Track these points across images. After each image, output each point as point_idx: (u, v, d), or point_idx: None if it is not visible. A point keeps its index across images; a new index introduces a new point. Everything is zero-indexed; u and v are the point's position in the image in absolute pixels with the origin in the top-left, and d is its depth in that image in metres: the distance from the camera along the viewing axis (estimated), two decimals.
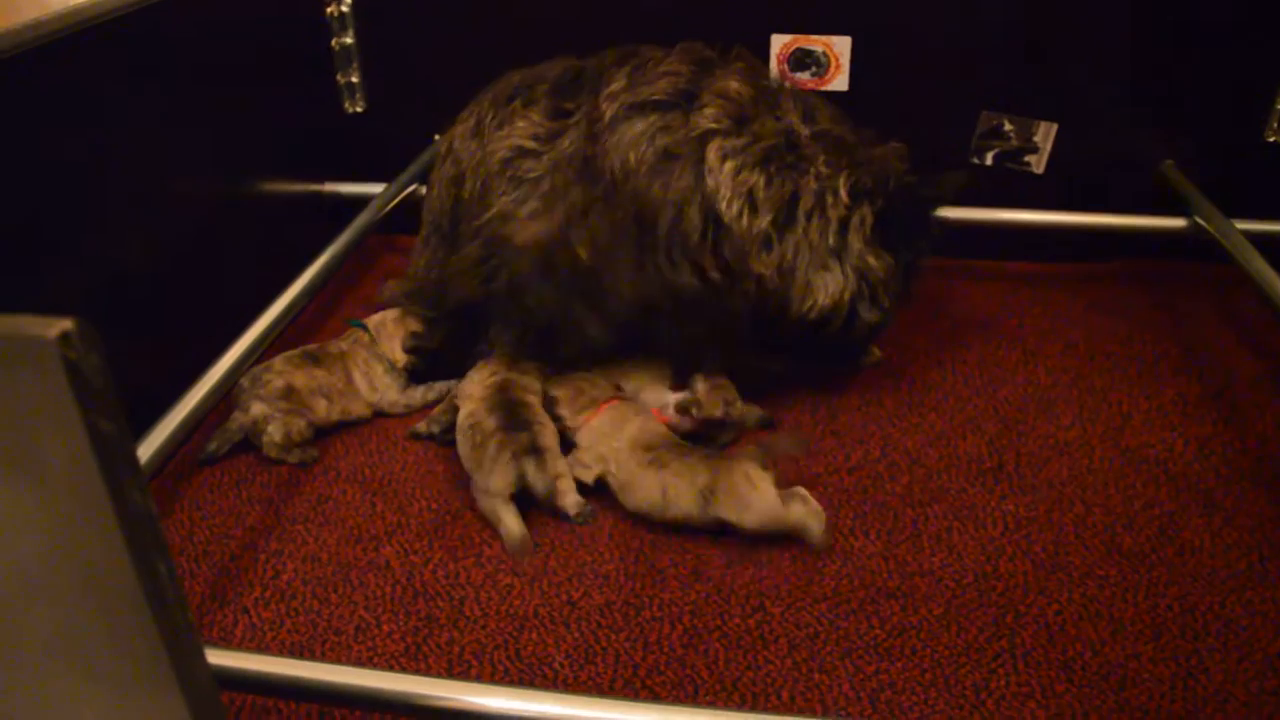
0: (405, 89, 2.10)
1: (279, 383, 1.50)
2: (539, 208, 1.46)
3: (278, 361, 1.54)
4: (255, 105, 1.82)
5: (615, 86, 1.48)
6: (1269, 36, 1.80)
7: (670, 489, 1.32)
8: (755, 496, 1.27)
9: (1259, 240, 1.67)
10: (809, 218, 1.47)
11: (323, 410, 1.53)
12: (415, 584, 1.26)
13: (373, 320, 1.66)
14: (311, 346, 1.60)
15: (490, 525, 1.35)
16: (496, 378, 1.49)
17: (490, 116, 1.55)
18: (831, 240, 1.47)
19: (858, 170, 1.49)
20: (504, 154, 1.49)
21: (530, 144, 1.48)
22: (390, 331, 1.63)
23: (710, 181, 1.43)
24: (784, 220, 1.46)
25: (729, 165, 1.43)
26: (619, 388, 1.52)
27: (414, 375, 1.63)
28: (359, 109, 2.11)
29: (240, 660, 0.99)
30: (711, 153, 1.43)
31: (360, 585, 1.26)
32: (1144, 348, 1.73)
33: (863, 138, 1.54)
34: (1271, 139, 1.86)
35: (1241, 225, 1.72)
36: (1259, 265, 1.58)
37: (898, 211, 1.51)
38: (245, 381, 1.51)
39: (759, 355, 1.59)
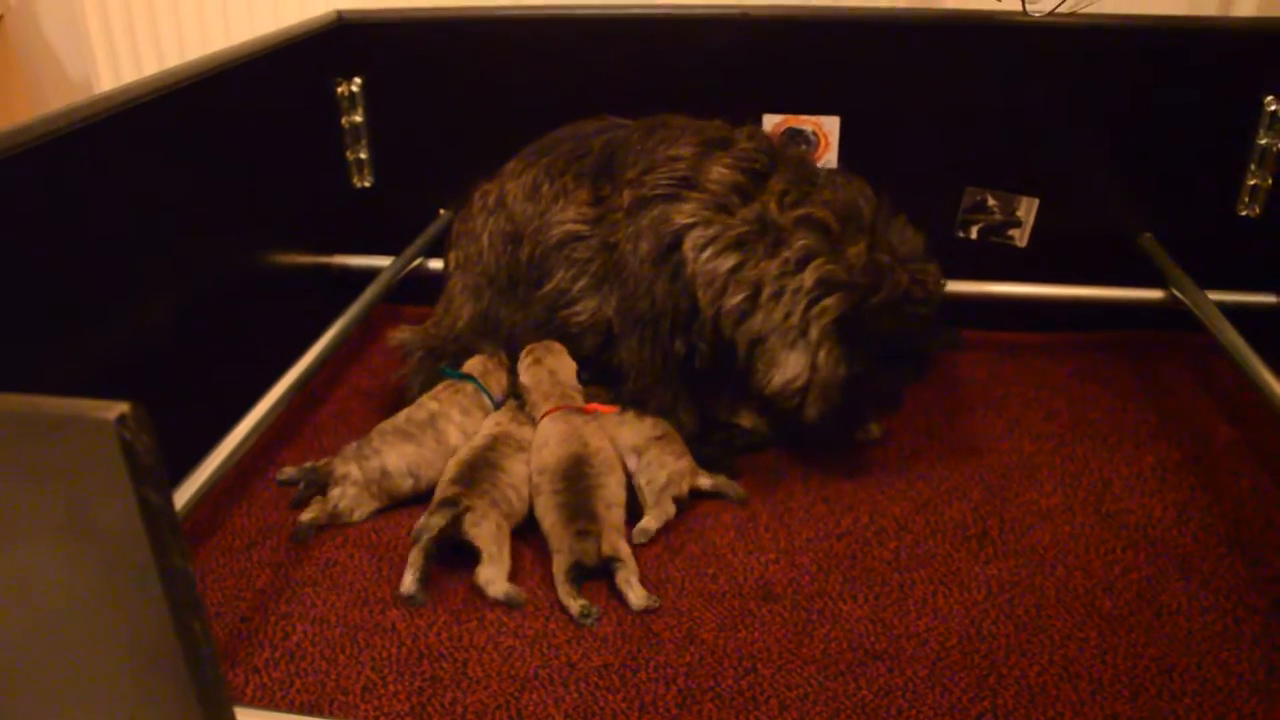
0: (411, 165, 2.18)
1: (375, 463, 1.55)
2: (590, 285, 1.66)
3: (375, 438, 1.58)
4: (269, 181, 1.90)
5: (632, 173, 1.63)
6: (1241, 117, 1.88)
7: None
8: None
9: (1232, 311, 1.73)
10: (774, 299, 1.51)
11: (407, 489, 1.57)
12: (420, 646, 1.31)
13: (474, 368, 1.71)
14: (399, 419, 1.62)
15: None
16: (499, 428, 1.59)
17: (546, 186, 1.70)
18: (797, 320, 1.50)
19: (842, 259, 1.50)
20: (559, 235, 1.67)
21: (582, 228, 1.66)
22: (496, 376, 1.71)
23: (688, 271, 1.56)
24: (752, 298, 1.53)
25: (704, 255, 1.54)
26: (583, 390, 1.66)
27: None
28: (367, 184, 2.19)
29: (260, 718, 1.03)
30: (687, 245, 1.55)
31: (367, 647, 1.31)
32: (1124, 415, 1.79)
33: (859, 225, 1.54)
34: (1244, 214, 1.94)
35: (1215, 296, 1.79)
36: (1231, 335, 1.64)
37: (870, 322, 1.50)
38: (357, 444, 1.58)
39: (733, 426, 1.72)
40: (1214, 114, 1.90)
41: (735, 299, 1.52)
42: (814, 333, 1.50)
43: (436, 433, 1.60)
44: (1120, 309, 2.02)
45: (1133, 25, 1.90)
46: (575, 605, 1.34)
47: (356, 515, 1.54)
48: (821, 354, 1.50)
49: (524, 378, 1.65)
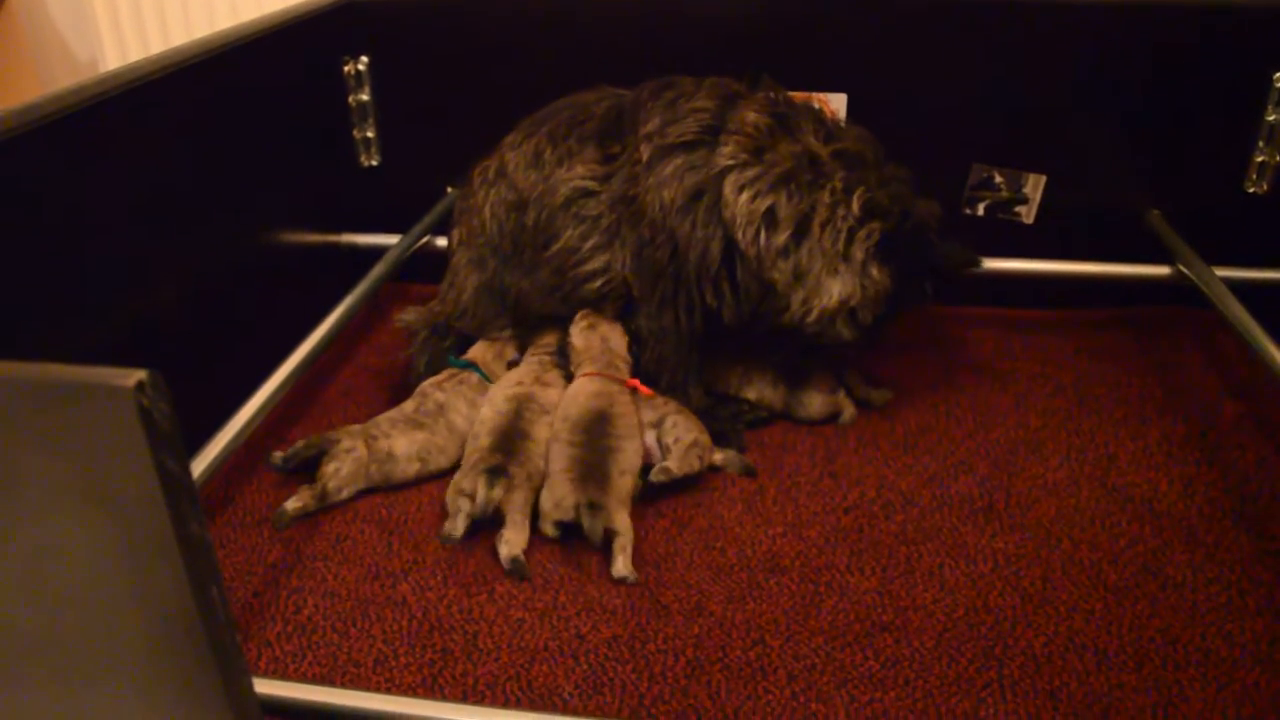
0: (419, 143, 2.19)
1: (383, 445, 1.55)
2: (601, 242, 1.65)
3: (383, 422, 1.58)
4: (276, 160, 1.90)
5: (650, 127, 1.64)
6: (1249, 93, 1.88)
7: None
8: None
9: (1239, 287, 1.73)
10: (822, 228, 1.58)
11: (411, 474, 1.57)
12: (431, 618, 1.32)
13: (478, 355, 1.72)
14: (407, 410, 1.62)
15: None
16: (522, 389, 1.59)
17: (549, 151, 1.70)
18: (841, 247, 1.58)
19: (876, 188, 1.59)
20: (566, 192, 1.66)
21: (590, 184, 1.66)
22: (495, 369, 1.71)
23: (727, 214, 1.58)
24: (800, 232, 1.58)
25: (744, 196, 1.57)
26: (630, 364, 1.66)
27: None
28: (374, 163, 2.19)
29: (274, 688, 1.05)
30: (728, 187, 1.58)
31: (378, 620, 1.32)
32: (1130, 390, 1.79)
33: (881, 157, 1.65)
34: (1251, 190, 1.94)
35: (1222, 272, 1.79)
36: (1238, 311, 1.64)
37: (907, 241, 1.60)
38: (363, 425, 1.58)
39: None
40: (1222, 90, 1.90)
41: (781, 236, 1.56)
42: (858, 254, 1.58)
43: (447, 421, 1.61)
44: (1127, 285, 2.02)
45: (1141, 1, 1.89)
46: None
47: (345, 494, 1.53)
48: (874, 271, 1.59)
49: (576, 340, 1.64)
